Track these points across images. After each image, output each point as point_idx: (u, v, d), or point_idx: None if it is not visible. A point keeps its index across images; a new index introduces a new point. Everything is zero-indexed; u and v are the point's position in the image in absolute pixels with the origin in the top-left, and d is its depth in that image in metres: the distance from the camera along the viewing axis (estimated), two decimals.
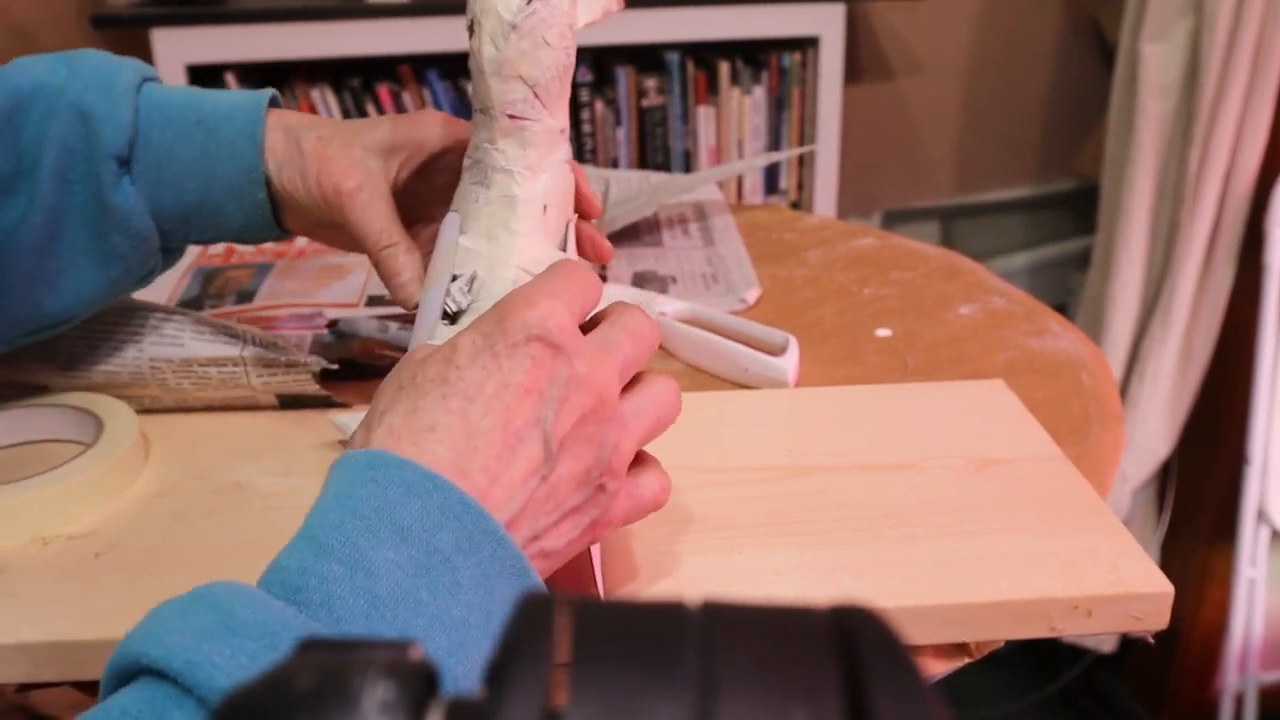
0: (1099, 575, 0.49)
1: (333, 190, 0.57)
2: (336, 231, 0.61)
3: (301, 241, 0.94)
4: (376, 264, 0.58)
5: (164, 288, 0.86)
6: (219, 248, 0.93)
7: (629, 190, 1.04)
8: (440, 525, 0.36)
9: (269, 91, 0.59)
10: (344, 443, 0.62)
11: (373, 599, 0.34)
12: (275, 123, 0.58)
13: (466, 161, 0.53)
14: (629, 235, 0.96)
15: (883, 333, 0.78)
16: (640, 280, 0.88)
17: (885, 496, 0.55)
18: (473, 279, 0.51)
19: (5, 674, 0.47)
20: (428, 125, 0.59)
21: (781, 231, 0.98)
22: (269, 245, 0.94)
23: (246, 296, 0.84)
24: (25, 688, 0.48)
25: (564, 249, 0.53)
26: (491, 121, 0.51)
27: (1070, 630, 0.48)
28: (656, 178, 1.08)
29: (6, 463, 0.60)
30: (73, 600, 0.49)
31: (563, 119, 0.52)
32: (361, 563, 0.35)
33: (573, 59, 0.51)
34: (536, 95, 0.50)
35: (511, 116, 0.50)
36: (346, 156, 0.57)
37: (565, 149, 0.53)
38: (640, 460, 0.45)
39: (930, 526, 0.52)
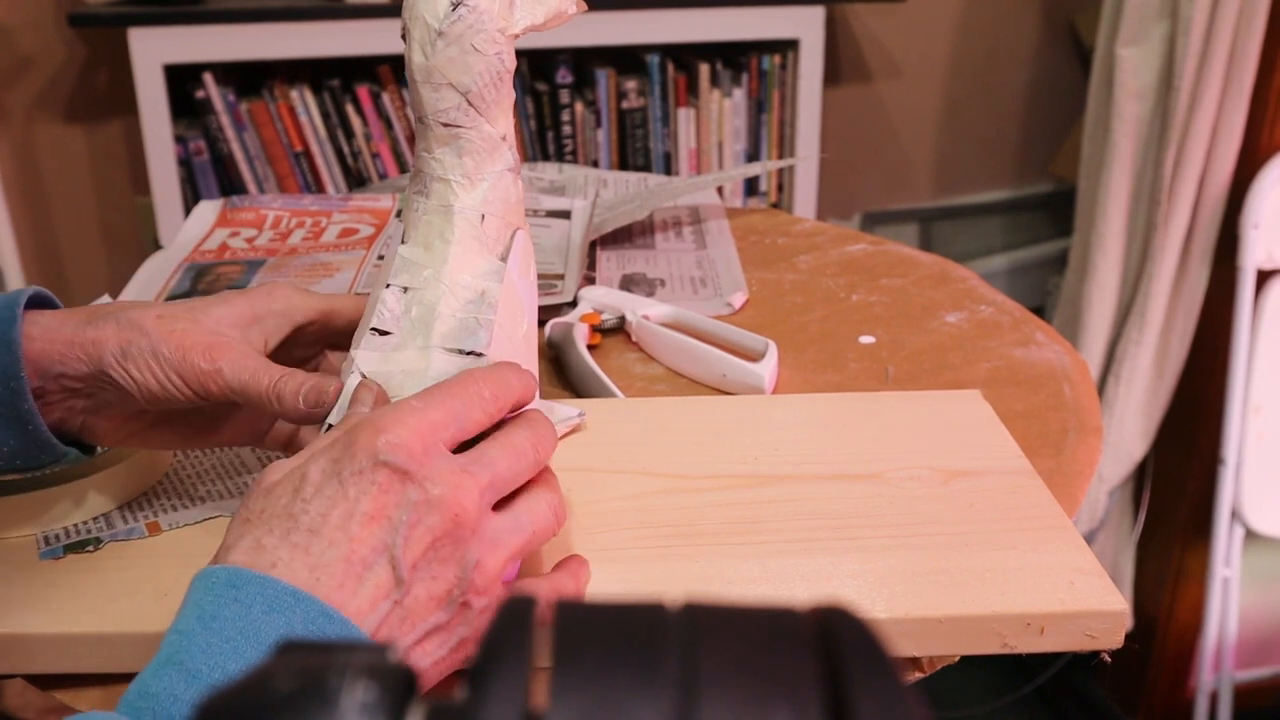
0: (1054, 592, 0.48)
1: (203, 360, 0.50)
2: (180, 425, 0.55)
3: (294, 239, 0.93)
4: (275, 400, 0.50)
5: (154, 285, 0.85)
6: (213, 244, 0.93)
7: (625, 193, 1.04)
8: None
9: (27, 290, 0.51)
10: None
11: None
12: (86, 315, 0.51)
13: (411, 170, 0.53)
14: (621, 237, 0.96)
15: (866, 340, 0.78)
16: (628, 283, 0.88)
17: (845, 507, 0.55)
18: (405, 288, 0.51)
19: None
20: (285, 297, 0.55)
21: (775, 236, 0.98)
22: (262, 242, 0.93)
23: None
24: None
25: (505, 258, 0.52)
26: (427, 130, 0.51)
27: (1023, 647, 0.48)
28: (653, 181, 1.07)
29: None
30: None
31: (503, 126, 0.52)
32: None
33: (508, 65, 0.50)
34: (470, 103, 0.50)
35: (445, 125, 0.50)
36: (199, 329, 0.51)
37: (508, 157, 0.52)
38: (521, 572, 0.45)
39: (887, 539, 0.52)
